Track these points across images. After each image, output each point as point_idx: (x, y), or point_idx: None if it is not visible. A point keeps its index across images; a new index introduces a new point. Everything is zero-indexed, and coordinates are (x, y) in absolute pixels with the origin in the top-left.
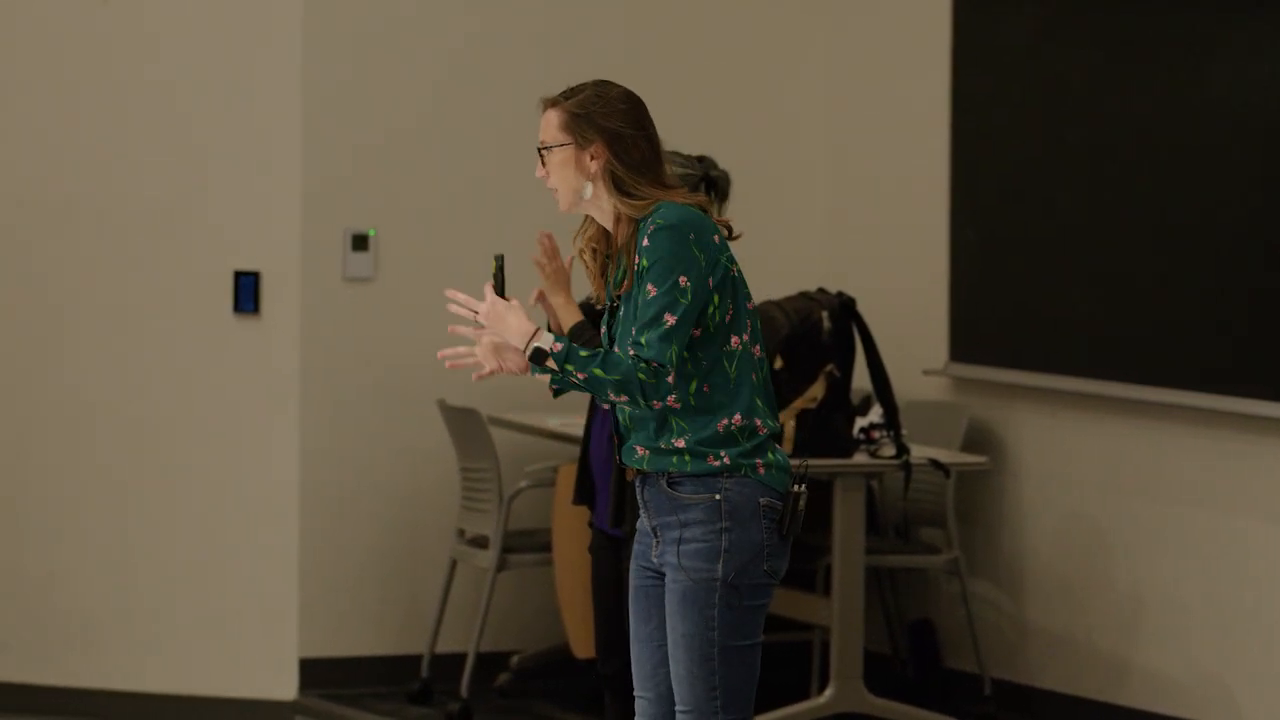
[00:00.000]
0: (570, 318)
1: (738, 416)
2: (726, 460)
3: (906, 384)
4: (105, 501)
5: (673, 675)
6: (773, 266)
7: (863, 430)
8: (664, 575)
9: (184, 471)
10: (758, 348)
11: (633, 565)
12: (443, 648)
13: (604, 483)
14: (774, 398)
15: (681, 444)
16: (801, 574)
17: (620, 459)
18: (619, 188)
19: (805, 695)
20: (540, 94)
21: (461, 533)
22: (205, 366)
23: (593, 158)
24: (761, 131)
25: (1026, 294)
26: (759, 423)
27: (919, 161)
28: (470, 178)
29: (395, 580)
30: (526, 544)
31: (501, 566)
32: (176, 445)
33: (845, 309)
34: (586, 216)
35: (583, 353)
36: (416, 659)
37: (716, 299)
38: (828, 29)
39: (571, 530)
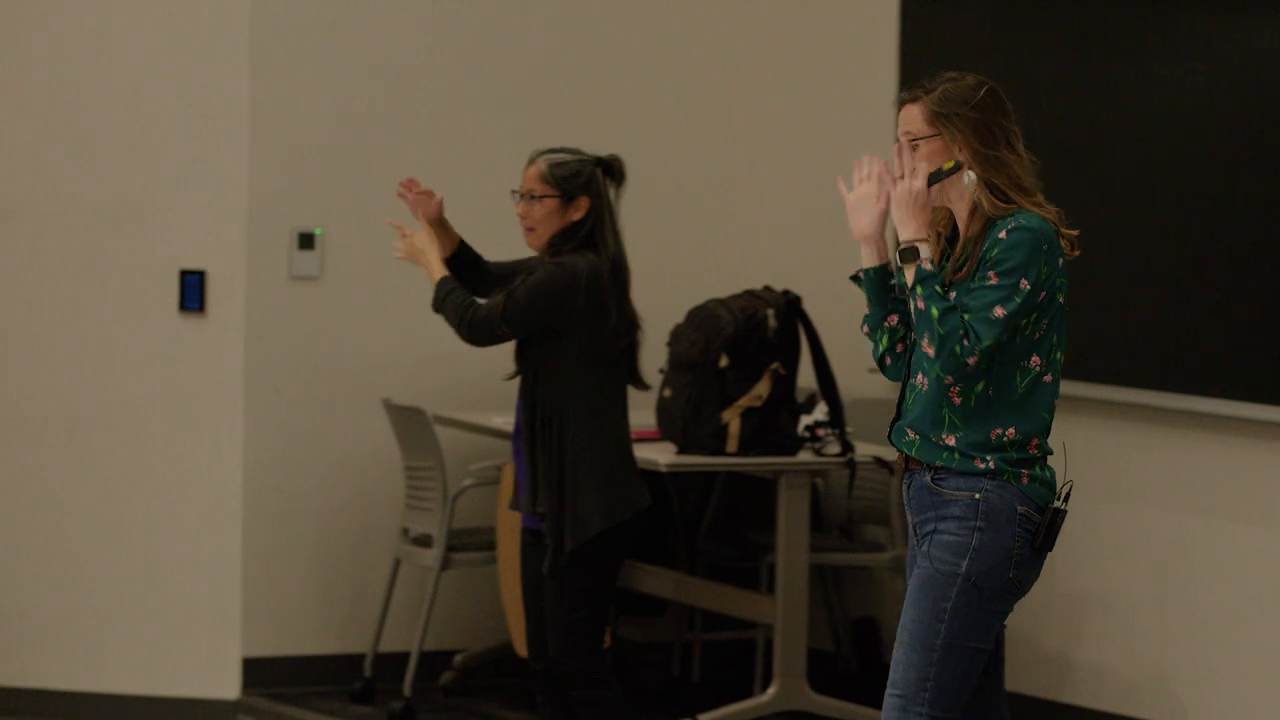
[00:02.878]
0: (436, 271)
1: (1012, 430)
2: (992, 465)
3: (852, 382)
4: (49, 501)
5: (893, 656)
6: (719, 265)
7: (808, 428)
8: None
9: (128, 469)
10: (1049, 376)
11: (908, 567)
12: (386, 647)
13: (522, 475)
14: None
15: (952, 442)
16: (745, 572)
17: (890, 437)
18: (987, 181)
19: (749, 693)
20: (480, 95)
21: (406, 531)
22: (151, 365)
23: (961, 148)
24: (709, 130)
25: None
26: (1035, 442)
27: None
28: (416, 176)
29: (339, 579)
30: (470, 542)
31: (445, 565)
32: (121, 443)
33: (791, 307)
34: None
35: (938, 287)
36: (360, 658)
37: (1034, 315)
38: (775, 28)
39: (514, 529)
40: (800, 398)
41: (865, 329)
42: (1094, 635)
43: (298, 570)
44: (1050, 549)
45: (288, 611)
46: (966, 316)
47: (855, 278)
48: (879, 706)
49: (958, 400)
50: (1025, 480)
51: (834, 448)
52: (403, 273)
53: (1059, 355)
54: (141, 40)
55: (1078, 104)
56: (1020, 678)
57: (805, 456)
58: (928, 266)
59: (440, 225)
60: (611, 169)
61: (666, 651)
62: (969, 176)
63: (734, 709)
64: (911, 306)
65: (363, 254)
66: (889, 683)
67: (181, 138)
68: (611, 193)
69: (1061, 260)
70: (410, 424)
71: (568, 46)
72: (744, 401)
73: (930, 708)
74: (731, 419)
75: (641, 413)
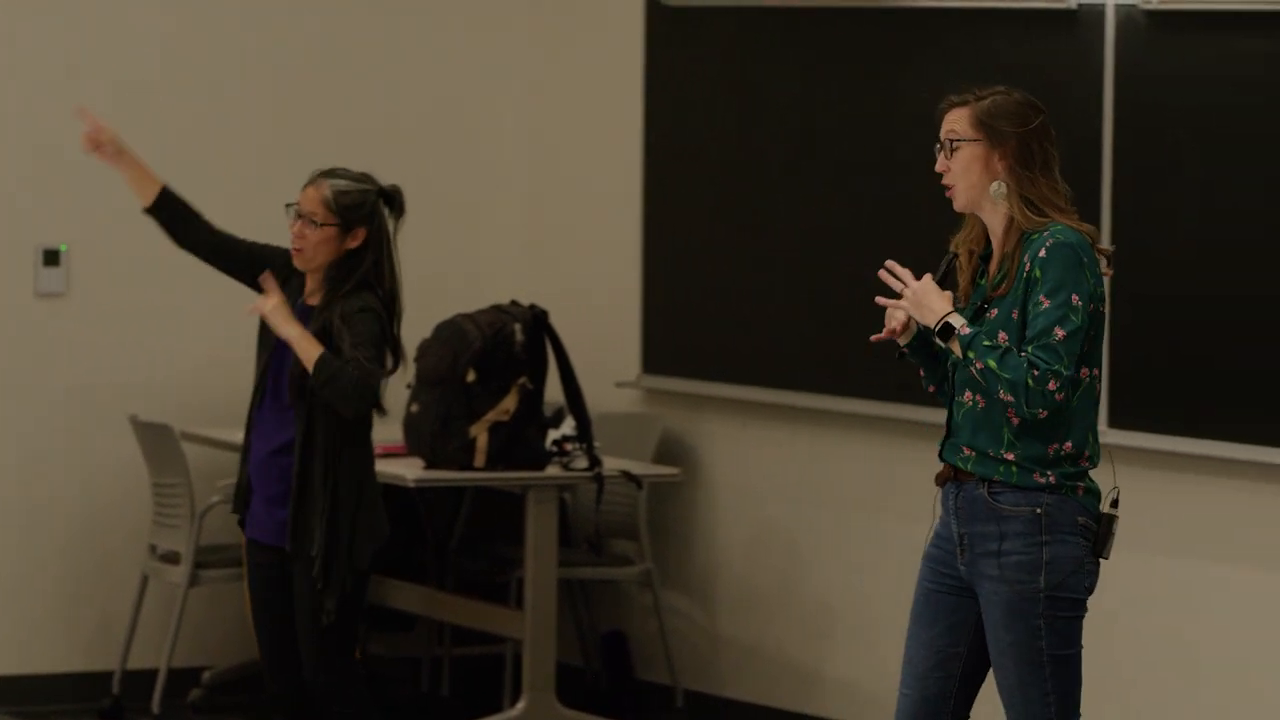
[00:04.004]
0: (309, 347)
1: (1069, 444)
2: (1052, 479)
3: (599, 396)
4: None
5: (1001, 687)
6: (466, 279)
7: (555, 443)
8: (960, 583)
9: None
10: (1097, 387)
11: (924, 567)
12: (134, 664)
13: (261, 495)
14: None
15: (1011, 457)
16: (494, 586)
17: (942, 455)
18: (1022, 194)
19: (498, 707)
20: (226, 110)
21: (153, 548)
22: None
23: (1001, 159)
24: (457, 144)
25: (718, 306)
26: (1086, 454)
27: (612, 175)
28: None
29: (86, 596)
30: (218, 559)
31: (193, 582)
32: None
33: (538, 322)
34: (969, 217)
35: (985, 342)
36: (108, 675)
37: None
38: (524, 44)
39: None
40: (548, 412)
41: (932, 388)
42: (841, 646)
43: (44, 587)
44: (1108, 557)
45: (34, 628)
46: (1029, 349)
47: (901, 355)
48: None
49: (1016, 419)
50: (1081, 493)
51: (581, 462)
52: (149, 289)
53: (1101, 367)
54: None
55: (821, 123)
56: (768, 690)
57: (553, 471)
58: (966, 331)
59: (123, 161)
60: (392, 200)
61: (415, 666)
62: (996, 187)
63: None
64: (974, 373)
65: (109, 270)
66: (1009, 715)
67: None
68: (391, 224)
69: (1098, 270)
70: (157, 441)
71: (319, 63)
72: (491, 416)
73: None
74: (479, 434)
75: (389, 428)
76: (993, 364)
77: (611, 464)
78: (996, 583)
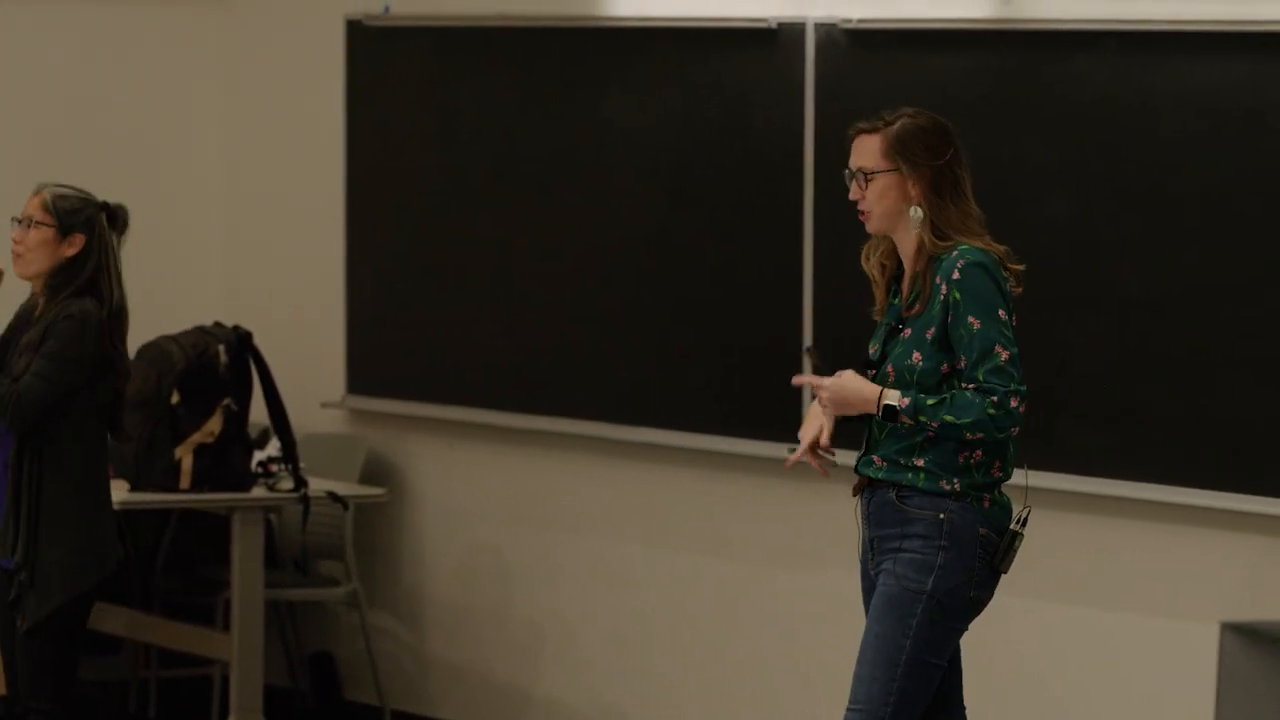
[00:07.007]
0: None
1: (979, 453)
2: (957, 487)
3: (305, 417)
4: None
5: (855, 672)
6: (169, 300)
7: (261, 464)
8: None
9: None
10: None
11: (862, 584)
12: None
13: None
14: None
15: (920, 463)
16: (201, 608)
17: (856, 468)
18: (932, 219)
19: None
20: None
21: None
22: None
23: (914, 185)
24: (157, 163)
25: (422, 326)
26: (997, 464)
27: (315, 195)
28: None
29: None
30: None
31: None
32: None
33: (242, 343)
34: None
35: (929, 401)
36: None
37: None
38: (223, 59)
39: None
40: (253, 433)
41: None
42: (551, 666)
43: None
44: (1007, 571)
45: None
46: (979, 374)
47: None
48: None
49: (933, 432)
50: (986, 504)
51: (287, 483)
52: None
53: None
54: None
55: (523, 141)
56: (477, 710)
57: (259, 492)
58: (905, 403)
59: None
60: (115, 215)
61: (123, 690)
62: (914, 212)
63: None
64: (931, 433)
65: None
66: (850, 700)
67: None
68: (115, 239)
69: (1008, 289)
70: None
71: (9, 79)
72: (196, 438)
73: None
74: (184, 455)
75: None
76: (949, 418)
77: (317, 485)
78: (888, 576)
